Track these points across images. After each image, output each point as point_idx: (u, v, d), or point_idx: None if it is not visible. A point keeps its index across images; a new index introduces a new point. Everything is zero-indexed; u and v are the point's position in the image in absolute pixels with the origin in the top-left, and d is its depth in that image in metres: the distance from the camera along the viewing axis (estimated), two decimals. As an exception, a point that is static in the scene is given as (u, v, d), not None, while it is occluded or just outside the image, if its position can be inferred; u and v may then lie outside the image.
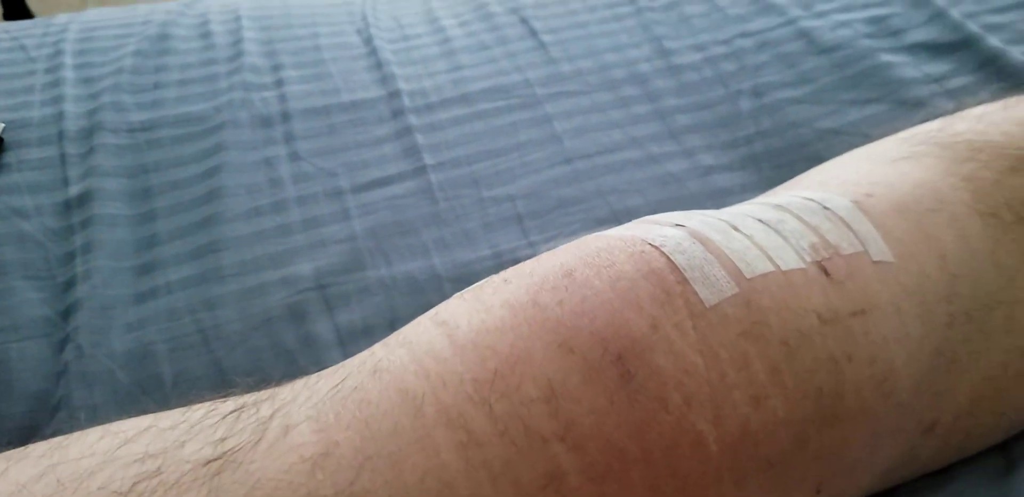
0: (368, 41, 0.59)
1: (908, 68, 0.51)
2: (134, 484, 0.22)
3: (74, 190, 0.47)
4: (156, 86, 0.55)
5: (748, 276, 0.25)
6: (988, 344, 0.29)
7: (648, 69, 0.55)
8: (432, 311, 0.28)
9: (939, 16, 0.54)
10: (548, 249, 0.29)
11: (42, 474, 0.23)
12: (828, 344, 0.25)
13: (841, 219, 0.28)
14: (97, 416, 0.36)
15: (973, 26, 0.53)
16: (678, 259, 0.25)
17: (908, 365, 0.27)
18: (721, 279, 0.25)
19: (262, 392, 0.26)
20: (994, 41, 0.51)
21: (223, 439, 0.24)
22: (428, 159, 0.49)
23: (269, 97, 0.53)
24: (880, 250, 0.28)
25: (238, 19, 0.61)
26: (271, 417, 0.24)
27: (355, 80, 0.55)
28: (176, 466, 0.23)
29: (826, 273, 0.26)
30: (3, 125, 0.51)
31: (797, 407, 0.24)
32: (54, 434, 0.26)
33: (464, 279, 0.42)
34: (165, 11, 0.63)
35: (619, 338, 0.23)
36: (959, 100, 0.48)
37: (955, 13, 0.54)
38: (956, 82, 0.50)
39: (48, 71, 0.56)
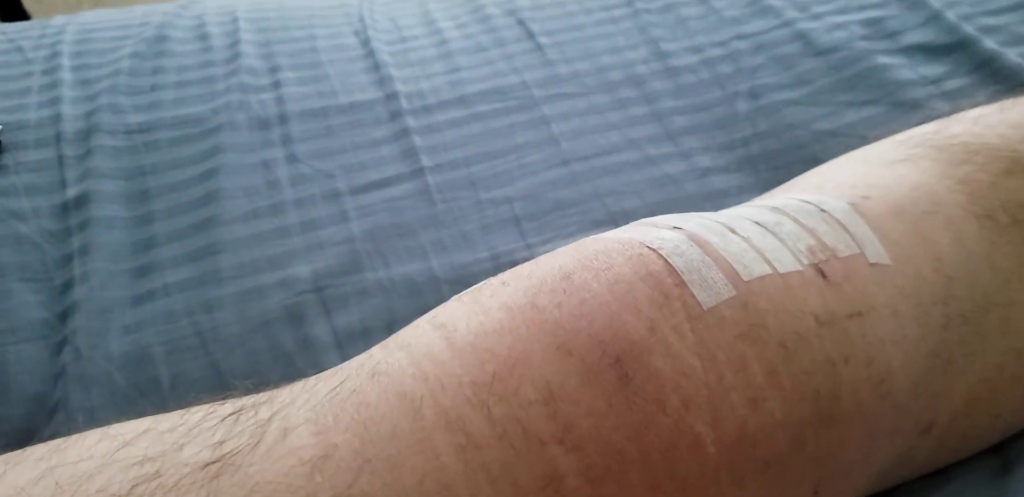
0: (365, 43, 0.59)
1: (904, 70, 0.51)
2: (133, 487, 0.22)
3: (72, 192, 0.47)
4: (153, 88, 0.55)
5: (745, 279, 0.25)
6: (984, 346, 0.30)
7: (645, 71, 0.55)
8: (430, 314, 0.28)
9: (935, 18, 0.54)
10: (546, 251, 0.29)
11: (40, 477, 0.23)
12: (825, 346, 0.25)
13: (838, 221, 0.28)
14: (95, 418, 0.36)
15: (969, 28, 0.53)
16: (676, 262, 0.25)
17: (905, 367, 0.27)
18: (719, 282, 0.25)
19: (260, 394, 0.26)
20: (990, 43, 0.51)
21: (222, 442, 0.24)
22: (426, 161, 0.49)
23: (266, 99, 0.53)
24: (877, 252, 0.28)
25: (235, 21, 0.61)
26: (269, 420, 0.24)
27: (352, 82, 0.55)
28: (175, 469, 0.23)
29: (823, 275, 0.26)
30: (0, 127, 0.51)
31: (795, 409, 0.24)
32: (52, 436, 0.26)
33: (462, 281, 0.42)
34: (162, 13, 0.63)
35: (617, 340, 0.23)
36: (955, 102, 0.48)
37: (951, 15, 0.54)
38: (952, 84, 0.50)
39: (45, 73, 0.56)
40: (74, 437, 0.25)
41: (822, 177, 0.34)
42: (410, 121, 0.52)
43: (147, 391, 0.38)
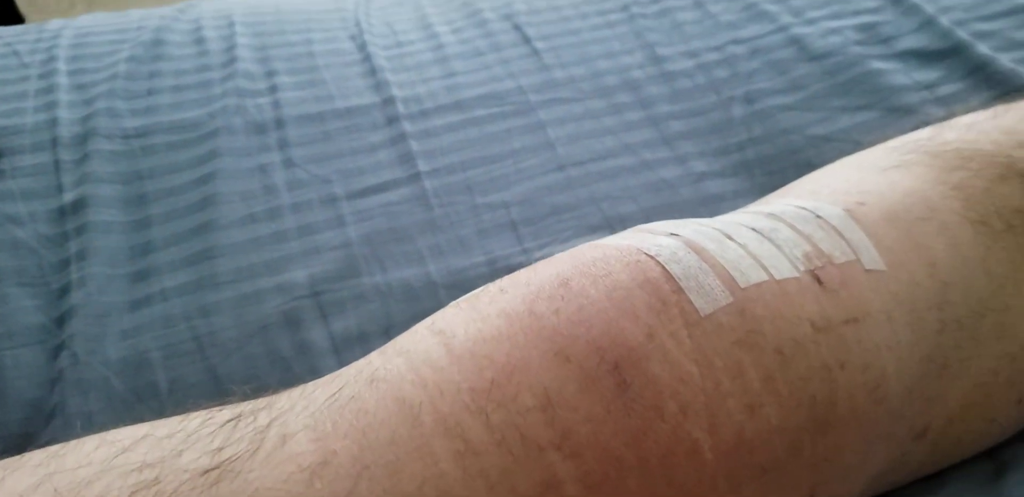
0: (362, 47, 0.59)
1: (898, 75, 0.52)
2: (132, 493, 0.22)
3: (68, 197, 0.47)
4: (150, 92, 0.55)
5: (742, 285, 0.25)
6: (979, 351, 0.30)
7: (641, 76, 0.55)
8: (428, 320, 0.28)
9: (929, 23, 0.55)
10: (542, 256, 0.29)
11: (39, 483, 0.23)
12: (822, 352, 0.25)
13: (834, 228, 0.28)
14: (92, 423, 0.36)
15: (963, 33, 0.53)
16: (673, 269, 0.25)
17: (899, 372, 0.27)
18: (716, 288, 0.25)
19: (259, 400, 0.26)
20: (983, 48, 0.52)
21: (221, 448, 0.24)
22: (422, 166, 0.49)
23: (263, 103, 0.54)
24: (872, 258, 0.28)
25: (231, 25, 0.61)
26: (268, 426, 0.24)
27: (349, 86, 0.55)
28: (174, 475, 0.23)
29: (819, 282, 0.26)
30: (-4, 131, 0.51)
31: (791, 415, 0.24)
32: (49, 442, 0.26)
33: (459, 286, 0.42)
34: (159, 17, 0.63)
35: (615, 347, 0.24)
36: (949, 107, 0.49)
37: (945, 21, 0.54)
38: (946, 89, 0.50)
39: (42, 77, 0.56)
40: (72, 443, 0.25)
41: (817, 183, 0.34)
42: (406, 126, 0.52)
43: (145, 396, 0.38)
